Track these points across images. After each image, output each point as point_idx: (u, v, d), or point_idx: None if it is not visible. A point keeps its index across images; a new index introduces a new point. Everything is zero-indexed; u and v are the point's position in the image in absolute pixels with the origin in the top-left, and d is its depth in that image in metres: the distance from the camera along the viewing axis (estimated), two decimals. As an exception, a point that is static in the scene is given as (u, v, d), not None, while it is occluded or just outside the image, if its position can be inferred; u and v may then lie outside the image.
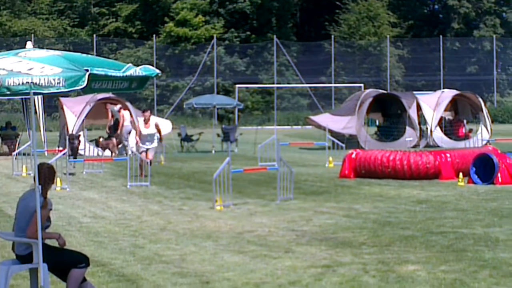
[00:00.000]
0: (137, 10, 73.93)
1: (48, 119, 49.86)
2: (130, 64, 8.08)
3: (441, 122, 37.86)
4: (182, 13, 69.45)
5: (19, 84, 7.48)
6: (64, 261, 8.28)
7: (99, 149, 30.95)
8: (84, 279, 8.42)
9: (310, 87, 66.15)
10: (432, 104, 37.49)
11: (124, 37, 72.12)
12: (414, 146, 34.36)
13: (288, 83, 68.81)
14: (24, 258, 8.26)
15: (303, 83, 66.27)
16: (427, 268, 10.24)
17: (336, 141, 29.27)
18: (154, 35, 68.56)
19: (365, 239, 12.46)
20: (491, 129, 38.10)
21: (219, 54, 68.25)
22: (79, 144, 27.21)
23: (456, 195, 18.19)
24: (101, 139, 31.60)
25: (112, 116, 32.70)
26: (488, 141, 35.49)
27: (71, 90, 7.59)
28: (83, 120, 32.61)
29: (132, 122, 32.40)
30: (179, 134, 35.90)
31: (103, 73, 7.71)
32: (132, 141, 31.34)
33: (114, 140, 31.43)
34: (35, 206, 7.92)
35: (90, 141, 32.15)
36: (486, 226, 13.62)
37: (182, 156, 32.01)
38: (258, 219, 14.78)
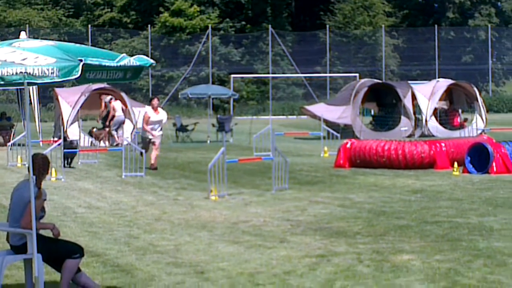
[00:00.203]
0: (132, 1, 73.80)
1: (43, 110, 49.80)
2: (124, 54, 8.06)
3: (436, 112, 37.87)
4: (177, 3, 69.30)
5: (13, 74, 7.45)
6: (59, 251, 8.29)
7: (93, 139, 30.95)
8: (79, 270, 8.42)
9: (305, 77, 66.16)
10: (427, 94, 37.48)
11: (119, 27, 71.97)
12: (409, 136, 34.32)
13: (283, 73, 68.77)
14: (19, 248, 8.26)
15: (298, 73, 66.24)
16: (422, 257, 10.25)
17: (331, 131, 29.25)
18: (149, 25, 68.45)
19: (360, 229, 12.48)
20: (486, 118, 38.09)
21: (214, 44, 68.19)
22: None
23: (451, 184, 18.21)
24: (94, 130, 31.72)
25: (105, 106, 32.72)
26: (483, 130, 35.51)
27: (65, 80, 7.56)
28: (78, 110, 32.59)
29: (126, 112, 32.40)
30: (174, 124, 35.85)
31: (97, 63, 7.69)
32: (126, 131, 31.41)
33: (106, 130, 31.52)
34: (29, 196, 7.92)
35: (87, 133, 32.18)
36: (481, 215, 13.64)
37: (177, 146, 31.99)
38: (253, 209, 14.79)
